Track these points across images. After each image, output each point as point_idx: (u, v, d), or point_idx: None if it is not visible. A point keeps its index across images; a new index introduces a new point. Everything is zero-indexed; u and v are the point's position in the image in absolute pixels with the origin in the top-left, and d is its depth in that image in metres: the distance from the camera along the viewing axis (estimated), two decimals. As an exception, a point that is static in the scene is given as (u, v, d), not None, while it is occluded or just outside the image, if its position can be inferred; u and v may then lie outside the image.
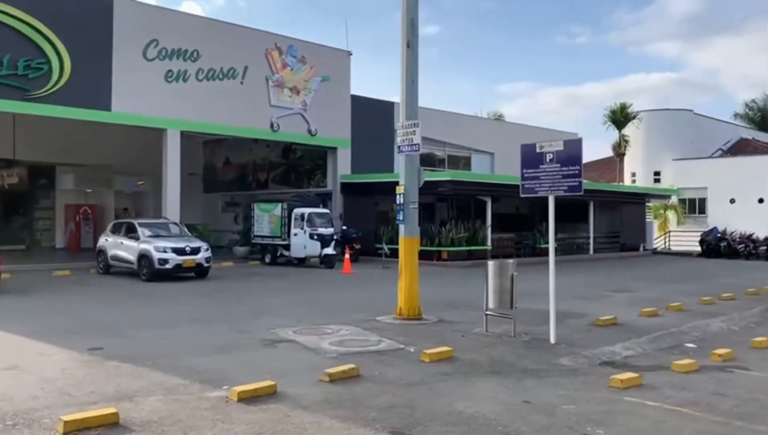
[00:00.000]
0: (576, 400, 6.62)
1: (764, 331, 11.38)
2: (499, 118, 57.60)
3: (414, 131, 11.10)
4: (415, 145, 11.14)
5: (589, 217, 30.07)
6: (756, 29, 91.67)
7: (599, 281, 18.83)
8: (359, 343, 9.10)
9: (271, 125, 24.63)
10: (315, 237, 21.58)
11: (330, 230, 22.03)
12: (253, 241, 23.59)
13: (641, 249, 32.89)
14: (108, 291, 15.47)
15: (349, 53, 27.47)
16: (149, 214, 28.49)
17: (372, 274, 20.23)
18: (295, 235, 21.90)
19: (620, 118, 44.09)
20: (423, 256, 24.37)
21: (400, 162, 11.68)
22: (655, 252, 34.02)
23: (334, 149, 26.97)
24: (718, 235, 31.29)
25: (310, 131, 25.89)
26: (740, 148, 50.29)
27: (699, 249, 31.85)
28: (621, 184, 43.02)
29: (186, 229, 19.60)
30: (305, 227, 21.64)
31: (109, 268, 18.85)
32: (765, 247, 29.70)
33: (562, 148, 9.30)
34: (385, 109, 29.55)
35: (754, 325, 12.10)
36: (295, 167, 29.29)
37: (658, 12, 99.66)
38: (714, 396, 6.98)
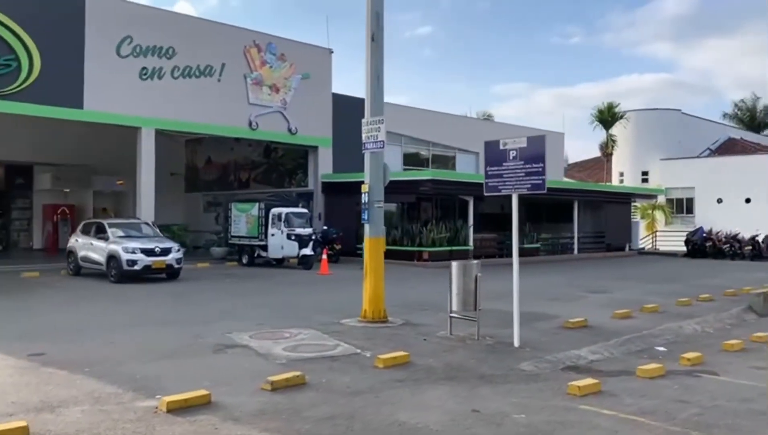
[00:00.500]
0: (528, 409, 6.29)
1: (739, 332, 11.12)
2: (488, 118, 57.35)
3: (379, 128, 10.76)
4: (380, 142, 10.81)
5: (574, 217, 29.79)
6: (748, 31, 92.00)
7: (578, 282, 18.53)
8: (315, 347, 8.75)
9: (250, 123, 24.25)
10: (293, 237, 21.21)
11: (308, 230, 21.67)
12: (230, 242, 23.19)
13: (627, 249, 32.64)
14: (72, 293, 15.06)
15: (331, 51, 27.11)
16: (129, 214, 28.02)
17: (350, 276, 19.76)
18: (273, 235, 21.53)
19: (607, 117, 43.85)
20: (403, 256, 24.36)
21: (365, 160, 11.31)
22: (640, 252, 33.78)
23: (315, 148, 26.59)
24: (704, 235, 31.06)
25: (290, 130, 25.52)
26: (728, 148, 50.15)
27: (685, 249, 31.63)
28: (607, 183, 42.79)
29: (158, 230, 19.18)
30: (282, 227, 21.27)
31: (80, 269, 18.43)
32: (750, 247, 29.48)
33: (525, 145, 8.97)
34: (368, 107, 29.14)
35: (730, 327, 11.83)
36: (277, 167, 28.90)
37: (651, 13, 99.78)
38: (675, 403, 6.66)
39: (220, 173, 31.44)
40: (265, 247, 21.86)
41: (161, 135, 26.81)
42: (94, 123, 21.07)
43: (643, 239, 38.21)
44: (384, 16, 11.06)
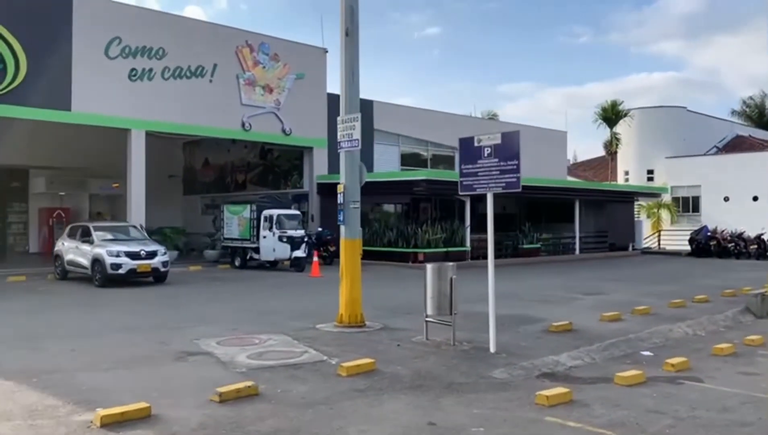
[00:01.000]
0: (489, 421, 5.91)
1: (732, 335, 10.67)
2: (492, 117, 56.85)
3: (354, 126, 10.40)
4: (355, 140, 10.45)
5: (575, 217, 29.29)
6: (756, 28, 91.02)
7: (574, 283, 18.07)
8: (281, 354, 8.39)
9: (243, 124, 23.94)
10: (284, 239, 20.87)
11: (300, 232, 21.33)
12: (223, 244, 22.90)
13: (630, 249, 32.09)
14: (53, 298, 14.80)
15: (325, 50, 26.76)
16: (125, 217, 27.82)
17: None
18: (264, 237, 21.21)
19: (611, 115, 43.29)
20: (398, 258, 23.97)
21: (340, 159, 10.96)
22: (644, 252, 33.20)
23: (310, 149, 26.26)
24: (708, 233, 30.47)
25: (284, 130, 25.20)
26: (736, 145, 49.42)
27: (689, 248, 31.06)
28: (610, 182, 42.23)
29: (145, 233, 18.89)
30: (274, 229, 20.95)
31: (66, 273, 18.18)
32: (756, 246, 28.89)
33: (500, 141, 8.58)
34: (365, 107, 28.68)
35: (724, 330, 11.38)
36: (273, 168, 28.60)
37: (659, 12, 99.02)
38: (649, 414, 6.25)
39: (217, 175, 31.19)
40: (257, 250, 21.54)
41: (158, 137, 26.72)
42: (82, 125, 20.82)
43: (647, 238, 37.65)
44: (359, 11, 10.70)
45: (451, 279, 9.13)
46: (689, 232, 32.26)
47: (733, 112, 62.72)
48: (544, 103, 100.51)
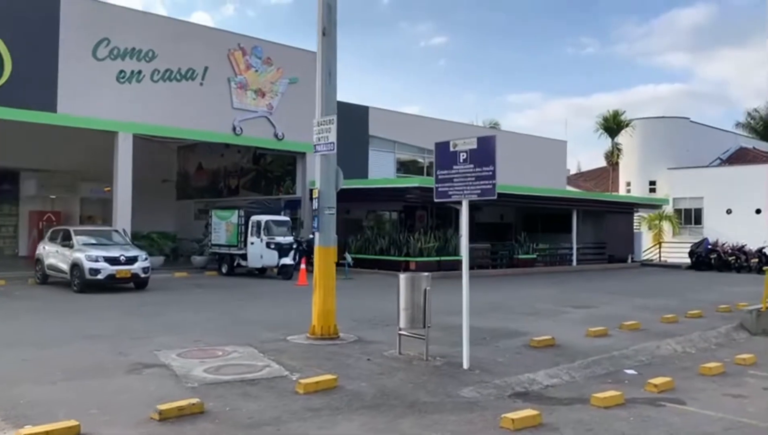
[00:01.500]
0: (446, 447, 5.44)
1: (724, 354, 10.19)
2: (494, 126, 56.44)
3: (330, 128, 9.99)
4: (331, 143, 10.04)
5: (572, 227, 28.78)
6: (762, 41, 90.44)
7: (566, 295, 17.58)
8: (241, 368, 7.93)
9: (234, 129, 23.57)
10: (272, 246, 20.45)
11: (289, 239, 20.89)
12: (211, 251, 22.49)
13: (629, 260, 31.55)
14: (25, 303, 14.38)
15: (320, 55, 26.35)
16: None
17: (329, 286, 19.01)
18: (252, 244, 20.78)
19: (613, 125, 42.88)
20: (390, 266, 23.48)
21: (316, 163, 10.54)
22: (643, 264, 32.66)
23: (303, 154, 25.84)
24: (709, 246, 29.92)
25: (276, 135, 24.81)
26: (739, 157, 48.93)
27: (689, 261, 30.51)
28: (608, 193, 41.73)
29: (129, 238, 18.49)
30: (262, 236, 20.52)
31: (47, 277, 17.78)
32: (757, 260, 28.31)
33: (475, 146, 8.15)
34: (360, 113, 28.49)
35: (715, 347, 10.89)
36: (266, 173, 28.21)
37: (666, 24, 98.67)
38: (622, 441, 5.78)
39: (211, 180, 30.83)
40: (244, 256, 21.12)
41: (151, 141, 26.40)
42: (71, 127, 20.47)
43: (647, 250, 37.11)
44: (337, 9, 10.29)
45: (425, 290, 8.67)
46: (690, 245, 31.73)
47: (738, 124, 62.16)
48: (550, 113, 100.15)
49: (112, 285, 16.27)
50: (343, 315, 12.11)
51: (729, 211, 40.44)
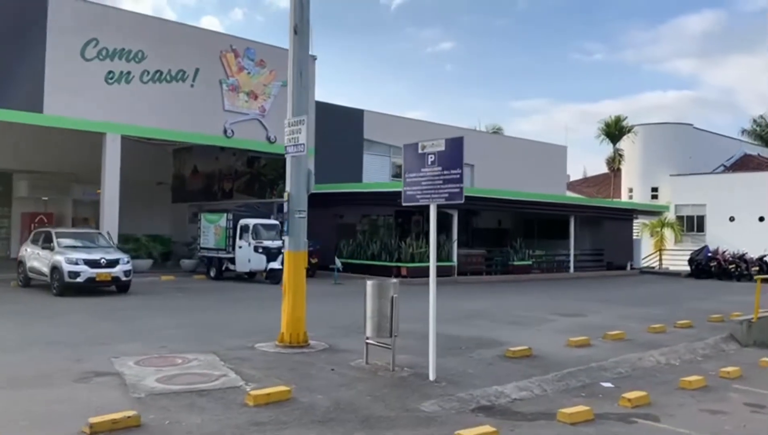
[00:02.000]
0: (389, 467, 5.09)
1: (709, 366, 9.81)
2: (497, 131, 56.11)
3: (300, 129, 9.66)
4: (301, 145, 9.71)
5: (570, 234, 28.36)
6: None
7: (557, 303, 17.18)
8: (195, 378, 7.60)
9: (225, 131, 23.28)
10: (260, 250, 20.14)
11: (277, 243, 20.55)
12: (200, 254, 22.20)
13: (628, 268, 31.09)
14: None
15: (314, 58, 26.11)
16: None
17: (317, 291, 18.60)
18: (240, 247, 20.48)
19: (615, 131, 42.36)
20: (381, 272, 23.11)
21: (287, 165, 10.23)
22: (642, 271, 32.19)
23: (296, 158, 25.49)
24: (709, 254, 29.47)
25: (269, 138, 24.51)
26: (743, 164, 48.33)
27: (689, 269, 30.06)
28: (608, 199, 41.25)
29: (113, 240, 18.20)
30: (250, 239, 20.21)
31: (29, 280, 17.51)
32: (757, 268, 27.82)
33: (443, 148, 7.81)
34: (354, 116, 28.21)
35: (701, 359, 10.50)
36: (259, 177, 27.92)
37: (673, 30, 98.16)
38: (581, 462, 5.42)
39: (206, 183, 30.56)
40: (233, 260, 20.81)
41: (147, 143, 26.17)
42: (64, 129, 20.26)
43: (647, 258, 36.63)
44: (310, 7, 9.99)
45: (393, 298, 8.33)
46: (690, 253, 31.24)
47: (743, 132, 61.58)
48: (557, 119, 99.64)
49: (92, 288, 15.99)
50: (321, 321, 11.83)
51: (732, 219, 39.85)
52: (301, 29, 9.69)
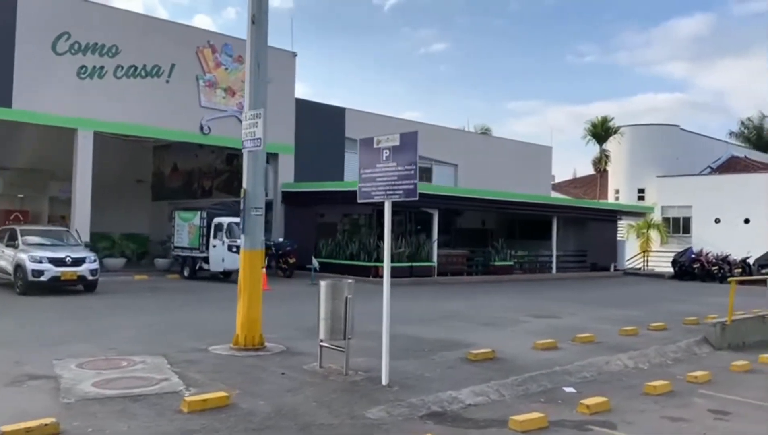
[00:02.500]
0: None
1: (678, 370, 9.53)
2: (485, 132, 55.84)
3: (257, 123, 9.35)
4: (258, 139, 9.40)
5: (552, 235, 28.11)
6: (760, 52, 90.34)
7: (532, 304, 16.90)
8: (135, 382, 7.24)
9: (201, 128, 22.92)
10: (234, 249, 19.67)
11: (252, 242, 20.17)
12: (173, 253, 21.80)
13: (612, 269, 30.87)
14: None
15: (294, 54, 25.79)
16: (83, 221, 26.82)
17: (291, 292, 18.36)
18: (214, 246, 20.11)
19: (601, 132, 42.16)
20: (359, 272, 22.77)
21: (243, 160, 9.89)
22: (626, 273, 31.99)
23: (275, 155, 25.18)
24: (693, 256, 29.31)
25: (247, 136, 24.08)
26: (730, 166, 48.22)
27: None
28: (597, 200, 41.06)
29: (80, 238, 17.78)
30: (224, 238, 19.84)
31: (-6, 279, 17.07)
32: (740, 270, 27.69)
33: (398, 143, 7.50)
34: (336, 114, 27.87)
35: (672, 363, 10.23)
36: (238, 174, 27.45)
37: (665, 33, 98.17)
38: (524, 474, 5.10)
39: (185, 181, 30.18)
40: (207, 259, 20.43)
41: (126, 141, 25.73)
42: (29, 124, 19.87)
43: (633, 259, 36.45)
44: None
45: (347, 299, 7.99)
46: (674, 254, 31.08)
47: (731, 134, 61.63)
48: (551, 120, 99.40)
49: (57, 287, 15.58)
50: (288, 322, 11.54)
51: (717, 221, 39.75)
52: (258, 19, 9.36)
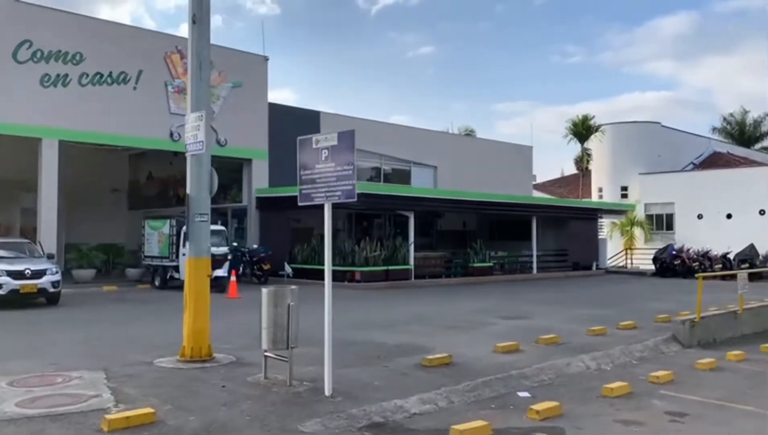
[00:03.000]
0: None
1: (641, 371, 9.27)
2: (469, 133, 55.69)
3: (199, 126, 8.99)
4: (200, 142, 9.05)
5: (532, 234, 27.88)
6: (747, 49, 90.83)
7: (504, 305, 16.60)
8: (63, 399, 6.89)
9: (171, 134, 22.55)
10: (204, 257, 19.33)
11: (223, 250, 19.83)
12: (144, 262, 21.39)
13: (594, 268, 30.68)
14: None
15: (266, 58, 25.47)
16: (61, 234, 26.34)
17: (260, 299, 17.91)
18: (184, 254, 19.57)
19: (582, 130, 42.04)
20: (335, 276, 22.34)
21: (187, 164, 9.56)
22: (608, 271, 31.80)
23: (249, 161, 24.88)
24: (674, 252, 29.13)
25: (218, 141, 23.76)
26: (713, 162, 48.17)
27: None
28: (580, 199, 40.89)
29: (42, 249, 17.35)
30: (194, 246, 19.40)
31: (-45, 293, 16.60)
32: (720, 265, 27.53)
33: (336, 142, 7.19)
34: (310, 118, 27.52)
35: (637, 363, 9.96)
36: (213, 182, 27.09)
37: (649, 32, 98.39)
38: (453, 489, 4.79)
39: (161, 189, 29.76)
40: (177, 268, 20.01)
41: (100, 149, 25.29)
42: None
43: (615, 257, 36.28)
44: (211, -5, 9.33)
45: (289, 306, 7.67)
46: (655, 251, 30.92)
47: (714, 130, 61.72)
48: (539, 122, 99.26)
49: (17, 300, 15.16)
50: (247, 332, 11.16)
51: (700, 217, 39.66)
52: (200, 18, 9.02)
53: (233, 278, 18.68)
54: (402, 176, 31.75)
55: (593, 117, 42.81)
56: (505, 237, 29.86)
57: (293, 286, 8.07)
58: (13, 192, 27.45)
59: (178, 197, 28.71)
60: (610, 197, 42.78)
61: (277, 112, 25.91)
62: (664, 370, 9.03)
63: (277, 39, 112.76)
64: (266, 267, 22.20)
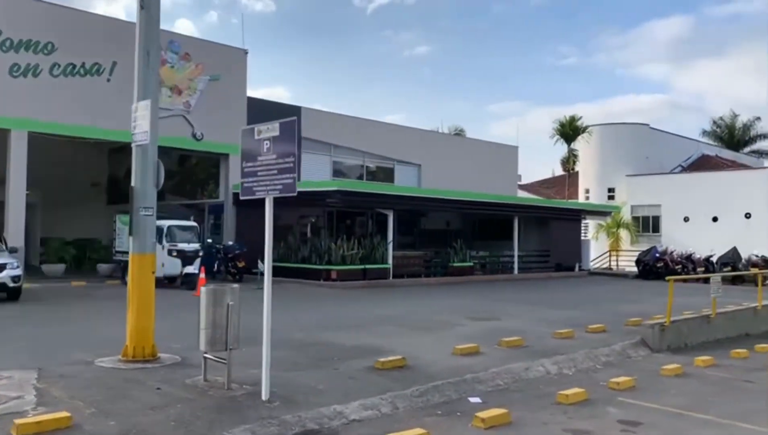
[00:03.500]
0: None
1: (604, 376, 8.95)
2: (459, 133, 55.37)
3: (145, 115, 8.62)
4: (145, 132, 8.69)
5: (514, 234, 27.57)
6: (740, 52, 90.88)
7: (478, 306, 16.29)
8: (-18, 401, 6.50)
9: (145, 128, 22.03)
10: (174, 253, 18.98)
11: (194, 246, 19.46)
12: (114, 258, 20.96)
13: (577, 269, 30.41)
14: None
15: (245, 51, 25.05)
16: (36, 228, 25.90)
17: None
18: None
19: (569, 131, 41.77)
20: (311, 275, 22.09)
21: (133, 155, 9.18)
22: (591, 272, 31.55)
23: (226, 156, 24.44)
24: (657, 255, 28.91)
25: (194, 135, 23.39)
26: (701, 164, 48.04)
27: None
28: (565, 200, 40.64)
29: (4, 243, 16.90)
30: (164, 242, 19.03)
31: None
32: (703, 268, 27.31)
33: (278, 133, 6.82)
34: (291, 113, 26.98)
35: (601, 368, 9.64)
36: (190, 177, 26.76)
37: (644, 35, 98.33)
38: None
39: (139, 184, 29.26)
40: (148, 264, 19.57)
41: (80, 142, 24.81)
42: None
43: (599, 258, 36.04)
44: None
45: (228, 306, 7.30)
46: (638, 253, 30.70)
47: (704, 133, 61.60)
48: (533, 123, 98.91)
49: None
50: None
51: (686, 219, 39.49)
52: (148, 4, 8.64)
53: (203, 275, 18.24)
54: (386, 174, 31.39)
55: (581, 118, 42.59)
56: (488, 237, 29.56)
57: (235, 285, 7.70)
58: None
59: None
60: (597, 198, 42.55)
61: (257, 106, 25.46)
62: (626, 375, 8.73)
63: (272, 36, 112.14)
64: (241, 264, 21.80)
